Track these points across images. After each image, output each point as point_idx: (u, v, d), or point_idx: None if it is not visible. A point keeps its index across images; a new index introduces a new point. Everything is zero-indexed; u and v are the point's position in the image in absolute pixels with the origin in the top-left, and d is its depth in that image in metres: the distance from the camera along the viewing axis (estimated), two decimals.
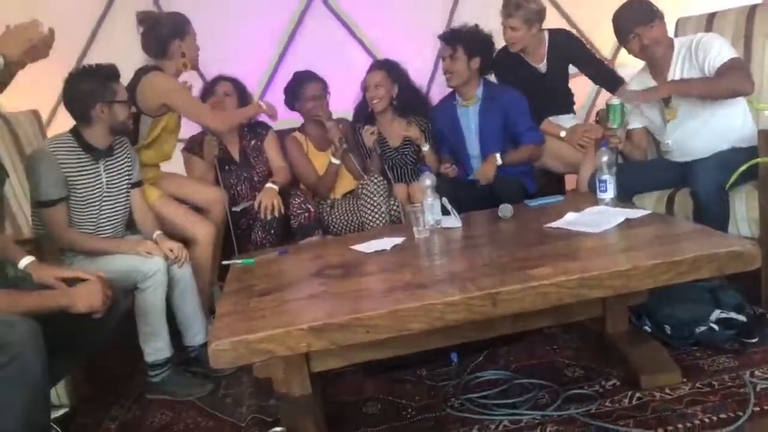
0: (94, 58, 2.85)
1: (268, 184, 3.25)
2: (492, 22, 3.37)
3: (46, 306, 1.93)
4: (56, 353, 1.86)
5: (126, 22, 3.12)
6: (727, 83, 2.62)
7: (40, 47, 2.20)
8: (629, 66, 3.57)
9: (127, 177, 2.76)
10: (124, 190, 2.75)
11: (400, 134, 3.52)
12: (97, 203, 2.66)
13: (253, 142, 3.46)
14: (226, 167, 3.39)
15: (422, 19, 4.38)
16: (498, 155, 3.21)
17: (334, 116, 3.50)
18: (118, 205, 2.73)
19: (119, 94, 2.60)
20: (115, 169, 2.71)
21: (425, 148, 3.43)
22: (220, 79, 3.46)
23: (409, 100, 3.51)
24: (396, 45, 4.23)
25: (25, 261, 2.17)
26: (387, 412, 2.25)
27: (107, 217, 2.71)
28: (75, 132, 2.62)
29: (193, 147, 3.40)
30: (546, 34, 3.46)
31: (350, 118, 3.67)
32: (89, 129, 2.60)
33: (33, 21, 2.20)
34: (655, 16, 2.77)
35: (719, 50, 2.68)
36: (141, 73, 2.95)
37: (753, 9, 3.10)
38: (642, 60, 2.92)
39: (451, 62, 3.27)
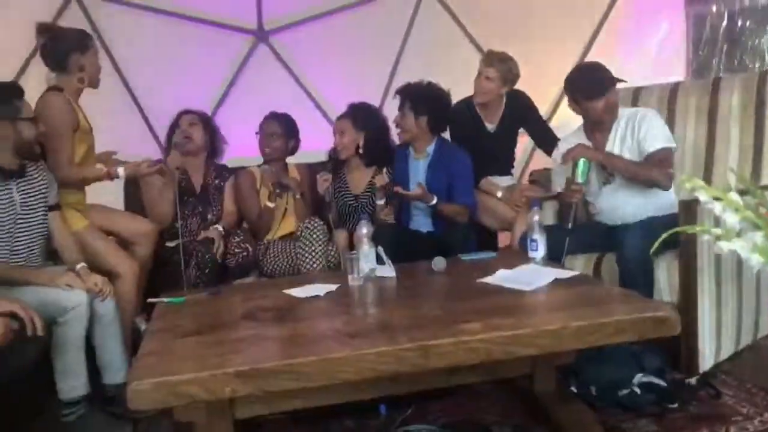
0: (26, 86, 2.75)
1: (217, 226, 3.27)
2: (439, 78, 3.43)
3: None
4: None
5: None
6: (648, 175, 2.79)
7: None
8: (563, 126, 3.74)
9: (43, 199, 2.65)
10: (40, 213, 2.64)
11: (363, 182, 3.52)
12: (10, 226, 2.54)
13: (216, 181, 3.47)
14: (185, 198, 3.37)
15: (366, 70, 4.50)
16: (436, 198, 3.23)
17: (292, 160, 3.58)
18: (33, 228, 2.62)
19: (23, 112, 2.51)
20: (30, 191, 2.60)
21: (380, 201, 3.41)
22: (184, 112, 3.46)
23: (373, 150, 3.48)
24: (340, 94, 4.31)
25: None
26: None
27: (22, 241, 2.58)
28: None
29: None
30: (504, 97, 3.57)
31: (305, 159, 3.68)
32: None
33: None
34: (616, 81, 2.88)
35: (656, 135, 2.83)
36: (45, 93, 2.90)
37: (676, 86, 3.31)
38: (589, 120, 2.99)
39: (400, 117, 3.34)
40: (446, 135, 3.56)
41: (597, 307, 2.02)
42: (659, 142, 2.81)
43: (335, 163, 3.57)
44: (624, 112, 2.96)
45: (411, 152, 3.44)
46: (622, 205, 2.93)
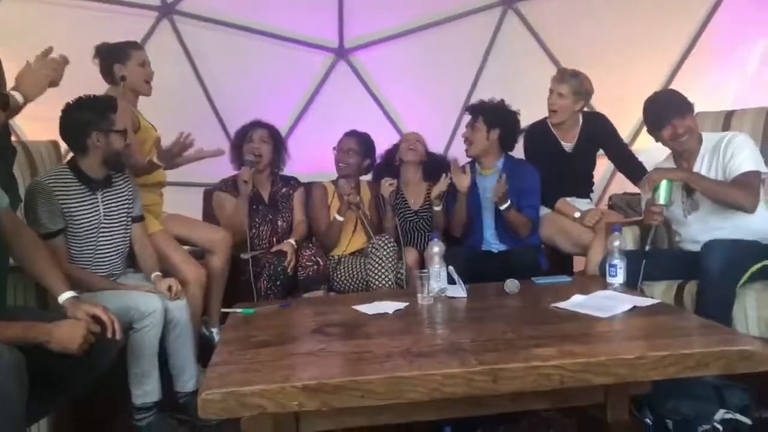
0: None
1: (290, 240, 3.33)
2: (518, 99, 3.42)
3: (26, 338, 1.87)
4: (41, 389, 1.81)
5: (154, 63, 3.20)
6: (731, 195, 2.65)
7: (55, 78, 2.29)
8: (644, 152, 3.62)
9: (126, 210, 2.76)
10: (122, 223, 2.75)
11: (421, 197, 3.59)
12: (93, 235, 2.66)
13: (284, 190, 3.56)
14: (254, 206, 3.45)
15: (443, 89, 4.50)
16: (509, 201, 3.19)
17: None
18: (115, 237, 2.73)
19: (116, 124, 2.64)
20: (114, 201, 2.72)
21: (437, 207, 3.42)
22: (257, 125, 3.53)
23: (435, 164, 3.59)
24: (414, 111, 4.34)
25: (65, 296, 2.15)
26: None
27: (104, 250, 2.70)
28: (72, 164, 2.66)
29: (226, 186, 3.47)
30: (581, 117, 3.52)
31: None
32: (85, 159, 2.63)
33: (58, 60, 2.28)
34: (689, 108, 2.80)
35: (745, 158, 2.69)
36: None
37: None
38: (670, 148, 2.91)
39: (471, 131, 3.33)
40: (521, 155, 3.53)
41: (678, 338, 1.93)
42: (747, 165, 2.67)
43: (387, 174, 3.60)
44: (713, 137, 2.84)
45: (477, 168, 3.41)
46: (709, 231, 2.78)
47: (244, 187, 3.31)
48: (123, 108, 2.98)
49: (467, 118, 3.45)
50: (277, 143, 3.55)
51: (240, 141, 3.51)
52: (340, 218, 3.39)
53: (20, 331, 1.88)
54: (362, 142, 3.57)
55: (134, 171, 2.98)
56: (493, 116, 3.31)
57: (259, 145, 3.45)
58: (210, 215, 3.66)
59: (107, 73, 3.11)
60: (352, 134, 3.59)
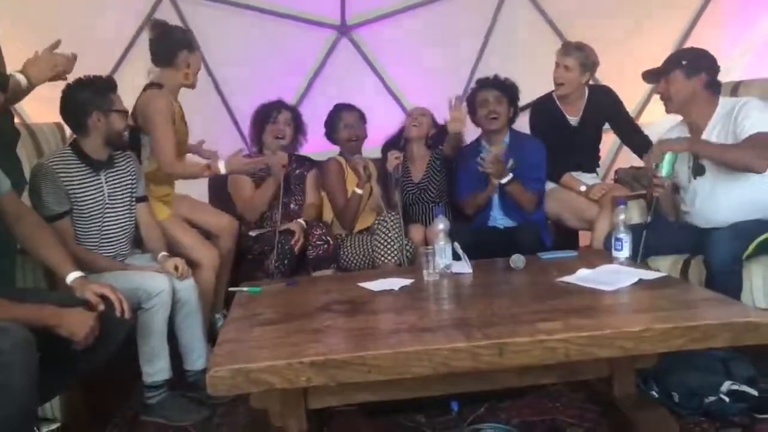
0: (123, 78, 2.91)
1: (300, 220, 3.32)
2: (522, 73, 3.43)
3: (34, 320, 1.88)
4: (51, 368, 1.83)
5: None
6: (739, 156, 2.57)
7: (64, 72, 2.38)
8: (651, 125, 3.59)
9: (129, 190, 2.76)
10: (126, 203, 2.75)
11: (422, 168, 3.58)
12: (99, 216, 2.66)
13: (298, 171, 3.54)
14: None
15: (447, 65, 4.46)
16: (511, 175, 3.19)
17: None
18: (121, 218, 2.73)
19: (116, 104, 2.63)
20: (117, 181, 2.71)
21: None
22: (281, 106, 3.50)
23: (443, 136, 3.53)
24: (418, 87, 4.30)
25: (72, 276, 2.16)
26: None
27: (110, 231, 2.70)
28: (74, 145, 2.65)
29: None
30: (586, 90, 3.50)
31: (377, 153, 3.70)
32: (87, 140, 2.62)
33: (69, 57, 2.38)
34: (674, 68, 2.75)
35: (756, 121, 2.60)
36: (145, 89, 3.01)
37: None
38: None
39: (498, 106, 3.32)
40: (526, 129, 3.52)
41: (684, 310, 1.93)
42: (757, 127, 2.58)
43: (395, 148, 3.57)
44: (726, 103, 2.77)
45: (485, 145, 3.41)
46: (716, 204, 2.75)
47: (281, 172, 3.27)
48: (165, 95, 2.97)
49: (471, 94, 3.44)
50: (298, 126, 3.53)
51: (262, 120, 3.48)
52: (359, 191, 3.37)
53: (31, 312, 1.91)
54: (360, 113, 3.59)
55: (167, 175, 2.99)
56: (513, 96, 3.37)
57: (283, 127, 3.44)
58: (217, 197, 3.64)
59: (164, 54, 3.01)
60: (351, 108, 3.59)
